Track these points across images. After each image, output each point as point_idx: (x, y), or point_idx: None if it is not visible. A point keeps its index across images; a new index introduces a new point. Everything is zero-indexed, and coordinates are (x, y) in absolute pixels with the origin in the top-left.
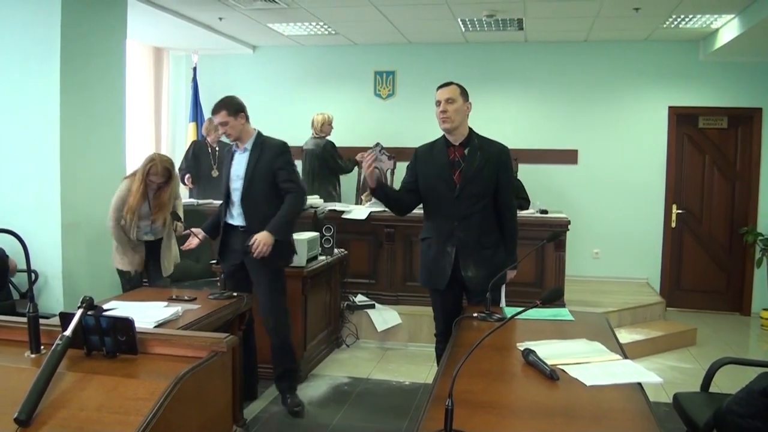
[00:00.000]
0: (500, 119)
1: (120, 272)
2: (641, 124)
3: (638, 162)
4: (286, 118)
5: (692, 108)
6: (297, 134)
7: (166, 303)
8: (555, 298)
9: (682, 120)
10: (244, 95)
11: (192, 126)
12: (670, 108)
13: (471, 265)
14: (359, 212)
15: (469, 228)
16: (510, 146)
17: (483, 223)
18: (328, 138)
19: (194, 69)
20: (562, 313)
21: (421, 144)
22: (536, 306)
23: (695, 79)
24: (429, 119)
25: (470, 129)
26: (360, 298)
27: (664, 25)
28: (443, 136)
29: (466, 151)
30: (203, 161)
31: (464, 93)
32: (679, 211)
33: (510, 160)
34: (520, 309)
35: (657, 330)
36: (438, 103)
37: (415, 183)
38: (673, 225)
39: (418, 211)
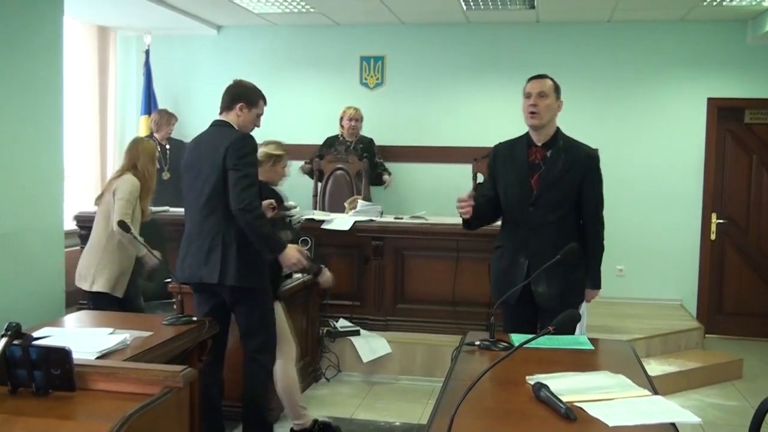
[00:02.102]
0: (507, 112)
1: (103, 297)
2: (675, 118)
3: (671, 163)
4: None
5: (737, 100)
6: (268, 130)
7: (111, 330)
8: (571, 324)
9: (724, 114)
10: (205, 83)
11: (144, 119)
12: (710, 100)
13: (543, 280)
14: (341, 222)
15: (544, 239)
16: None
17: (560, 235)
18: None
19: (147, 52)
20: (580, 341)
21: (500, 142)
22: (549, 333)
23: (741, 66)
24: (424, 112)
25: (557, 129)
26: (342, 324)
27: (705, 3)
28: (526, 133)
29: (548, 153)
30: None
31: (557, 89)
32: (720, 221)
33: (599, 166)
34: (530, 336)
35: (694, 361)
36: (528, 95)
37: (495, 189)
38: (713, 237)
39: (410, 220)
